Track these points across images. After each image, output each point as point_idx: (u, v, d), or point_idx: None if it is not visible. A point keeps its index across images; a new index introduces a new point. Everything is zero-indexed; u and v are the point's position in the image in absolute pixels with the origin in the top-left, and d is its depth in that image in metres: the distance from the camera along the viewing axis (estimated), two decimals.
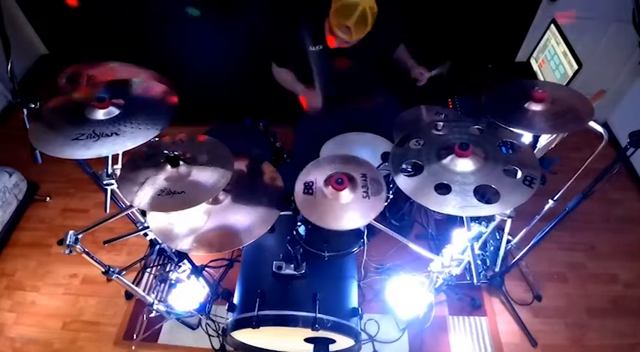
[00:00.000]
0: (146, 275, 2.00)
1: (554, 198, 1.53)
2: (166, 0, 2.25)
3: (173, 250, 1.77)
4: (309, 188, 1.21)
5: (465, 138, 1.18)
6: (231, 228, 1.22)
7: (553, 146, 1.53)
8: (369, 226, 1.22)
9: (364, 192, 1.18)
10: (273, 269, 1.41)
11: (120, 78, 1.41)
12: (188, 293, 1.69)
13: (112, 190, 1.35)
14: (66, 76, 1.50)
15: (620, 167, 1.29)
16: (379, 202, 1.16)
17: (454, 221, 1.91)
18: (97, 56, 1.56)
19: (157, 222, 1.25)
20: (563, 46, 1.78)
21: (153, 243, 1.95)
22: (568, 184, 1.47)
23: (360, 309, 1.48)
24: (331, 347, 1.45)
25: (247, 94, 2.54)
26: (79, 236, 1.15)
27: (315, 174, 1.24)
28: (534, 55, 2.06)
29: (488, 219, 1.31)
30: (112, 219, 1.24)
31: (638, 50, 2.24)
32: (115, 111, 1.22)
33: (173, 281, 1.74)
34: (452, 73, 1.80)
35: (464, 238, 1.24)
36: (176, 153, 1.14)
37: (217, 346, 1.81)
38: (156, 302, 1.63)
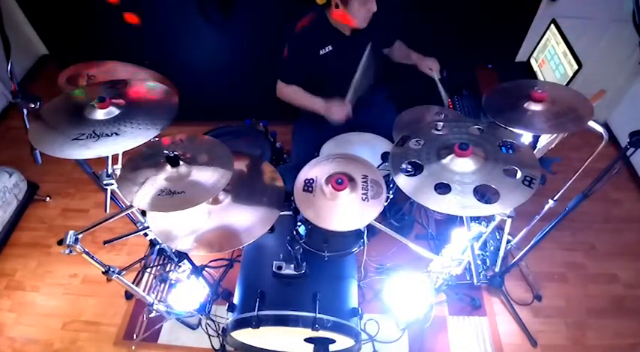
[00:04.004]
0: (146, 275, 2.00)
1: (554, 198, 1.53)
2: (167, 0, 2.25)
3: (173, 250, 1.77)
4: (309, 185, 1.21)
5: (465, 138, 1.18)
6: (231, 228, 1.22)
7: (553, 146, 1.53)
8: (369, 226, 1.22)
9: (363, 194, 1.18)
10: (273, 269, 1.41)
11: (120, 78, 1.41)
12: (188, 293, 1.69)
13: (112, 190, 1.35)
14: (66, 76, 1.50)
15: (620, 167, 1.29)
16: (377, 206, 1.15)
17: (454, 221, 1.91)
18: (97, 56, 1.56)
19: (157, 222, 1.25)
20: (563, 46, 1.78)
21: (153, 243, 1.95)
22: (568, 184, 1.47)
23: (360, 309, 1.47)
24: (331, 347, 1.45)
25: (247, 94, 2.54)
26: (79, 236, 1.15)
27: (317, 172, 1.24)
28: (534, 55, 2.06)
29: (488, 219, 1.31)
30: (112, 219, 1.24)
31: (638, 50, 2.24)
32: (115, 111, 1.22)
33: (173, 281, 1.74)
34: (452, 72, 1.80)
35: (464, 238, 1.25)
36: (176, 153, 1.14)
37: (217, 346, 1.81)
38: (156, 302, 1.63)
